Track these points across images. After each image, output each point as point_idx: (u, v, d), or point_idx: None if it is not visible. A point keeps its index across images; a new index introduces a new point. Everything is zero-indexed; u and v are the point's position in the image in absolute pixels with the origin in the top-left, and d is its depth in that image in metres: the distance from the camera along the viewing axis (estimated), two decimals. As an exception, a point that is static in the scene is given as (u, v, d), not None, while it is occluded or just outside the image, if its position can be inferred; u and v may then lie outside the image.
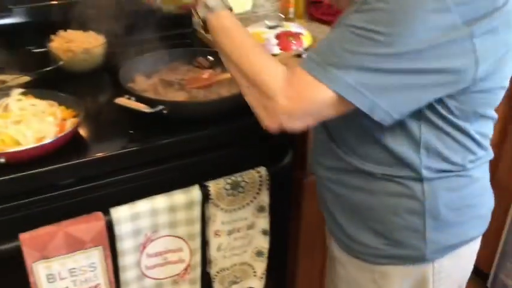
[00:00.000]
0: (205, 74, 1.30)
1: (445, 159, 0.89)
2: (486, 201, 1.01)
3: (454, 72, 0.79)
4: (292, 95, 0.81)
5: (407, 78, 0.78)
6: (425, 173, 0.89)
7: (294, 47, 1.44)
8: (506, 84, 0.89)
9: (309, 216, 1.42)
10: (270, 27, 1.50)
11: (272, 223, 1.27)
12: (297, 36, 1.47)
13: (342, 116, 0.84)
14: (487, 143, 0.96)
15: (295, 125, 0.83)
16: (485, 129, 0.94)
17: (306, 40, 1.48)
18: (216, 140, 1.17)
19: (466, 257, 1.03)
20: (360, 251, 1.00)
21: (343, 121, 0.88)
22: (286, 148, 1.27)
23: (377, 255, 0.98)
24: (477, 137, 0.91)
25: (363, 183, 0.94)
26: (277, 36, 1.46)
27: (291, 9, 1.73)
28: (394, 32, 0.75)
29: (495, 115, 0.94)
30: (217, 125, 1.16)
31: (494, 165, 1.36)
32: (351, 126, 0.92)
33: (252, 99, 0.88)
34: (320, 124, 0.97)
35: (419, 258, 0.96)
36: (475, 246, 1.02)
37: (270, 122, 0.85)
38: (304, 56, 0.96)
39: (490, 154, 0.98)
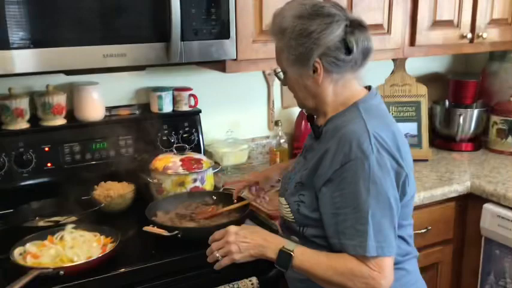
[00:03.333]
0: (210, 209, 1.72)
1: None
2: None
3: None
4: (384, 279, 1.13)
5: None
6: None
7: (194, 166, 1.82)
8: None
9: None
10: (176, 153, 1.86)
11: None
12: (197, 160, 1.85)
13: None
14: (412, 242, 1.33)
15: None
16: (411, 232, 1.32)
17: (205, 164, 1.86)
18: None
19: None
20: None
21: None
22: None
23: None
24: (407, 238, 1.29)
25: None
26: (182, 160, 1.83)
27: (278, 160, 2.20)
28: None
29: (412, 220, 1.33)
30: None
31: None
32: None
33: None
34: None
35: None
36: None
37: None
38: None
39: (416, 251, 1.34)
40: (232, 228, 1.25)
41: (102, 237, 1.54)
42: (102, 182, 1.84)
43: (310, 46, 1.19)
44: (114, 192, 1.78)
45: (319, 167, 1.20)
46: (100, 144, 1.90)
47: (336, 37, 1.18)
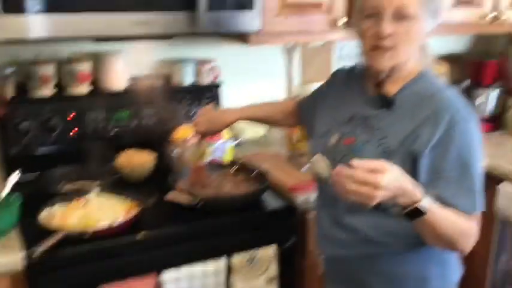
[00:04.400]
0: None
1: None
2: None
3: None
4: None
5: None
6: None
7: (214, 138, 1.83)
8: None
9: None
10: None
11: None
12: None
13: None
14: None
15: None
16: None
17: (225, 136, 1.90)
18: (237, 224, 1.59)
19: None
20: None
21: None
22: (291, 234, 1.67)
23: None
24: None
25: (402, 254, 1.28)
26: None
27: (295, 135, 2.22)
28: None
29: None
30: (237, 213, 1.60)
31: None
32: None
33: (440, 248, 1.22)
34: (355, 227, 1.28)
35: None
36: None
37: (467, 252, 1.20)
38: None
39: None
40: (391, 169, 1.04)
41: (127, 201, 1.58)
42: (125, 150, 1.87)
43: (440, 4, 1.23)
44: (136, 160, 1.81)
45: (416, 132, 1.18)
46: (123, 113, 1.93)
47: None
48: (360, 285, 1.33)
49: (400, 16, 1.16)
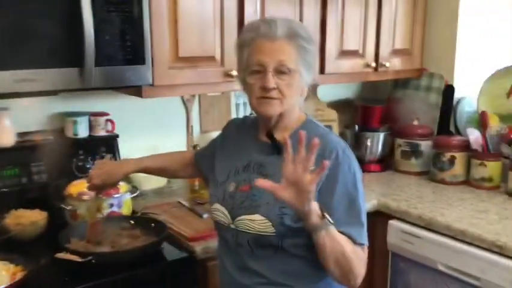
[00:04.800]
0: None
1: None
2: None
3: None
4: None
5: None
6: None
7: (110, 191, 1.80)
8: None
9: None
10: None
11: None
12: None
13: None
14: None
15: None
16: None
17: (122, 189, 1.87)
18: (133, 280, 1.55)
19: None
20: None
21: None
22: (191, 285, 1.66)
23: None
24: None
25: None
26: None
27: (197, 183, 2.24)
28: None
29: None
30: (132, 269, 1.55)
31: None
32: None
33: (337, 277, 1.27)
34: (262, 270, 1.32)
35: None
36: None
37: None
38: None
39: None
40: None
41: (12, 266, 1.49)
42: (14, 210, 1.78)
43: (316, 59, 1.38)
44: (25, 220, 1.73)
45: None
46: (11, 171, 1.85)
47: None
48: None
49: (281, 71, 1.28)
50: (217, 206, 1.39)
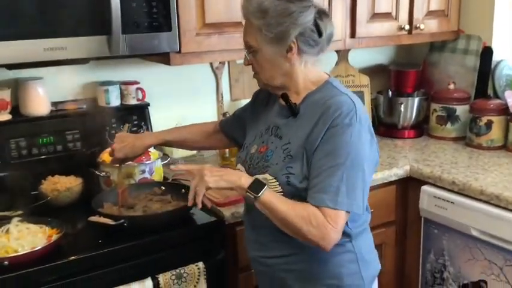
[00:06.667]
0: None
1: (359, 223, 1.38)
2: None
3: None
4: (335, 233, 1.24)
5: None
6: (353, 234, 1.37)
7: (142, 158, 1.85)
8: None
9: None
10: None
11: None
12: (145, 152, 1.83)
13: None
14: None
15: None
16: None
17: (153, 156, 1.92)
18: (162, 242, 1.59)
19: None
20: None
21: None
22: (219, 248, 1.69)
23: None
24: (368, 207, 1.42)
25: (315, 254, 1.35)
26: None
27: (227, 151, 2.25)
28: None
29: None
30: (162, 232, 1.59)
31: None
32: None
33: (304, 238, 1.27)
34: (267, 228, 1.37)
35: None
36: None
37: (326, 248, 1.26)
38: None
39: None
40: (207, 165, 1.38)
41: (48, 228, 1.56)
42: (50, 176, 1.85)
43: (289, 26, 1.29)
44: (61, 185, 1.79)
45: (311, 134, 1.31)
46: (47, 139, 1.91)
47: (311, 20, 1.31)
48: (282, 285, 1.42)
49: (249, 51, 1.38)
50: (239, 166, 1.49)
